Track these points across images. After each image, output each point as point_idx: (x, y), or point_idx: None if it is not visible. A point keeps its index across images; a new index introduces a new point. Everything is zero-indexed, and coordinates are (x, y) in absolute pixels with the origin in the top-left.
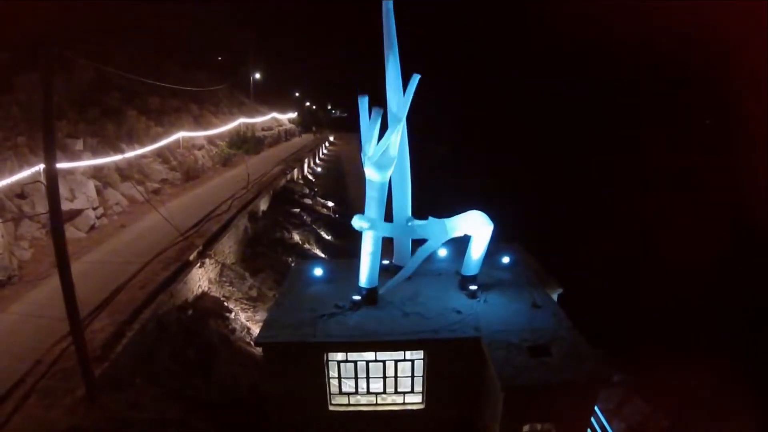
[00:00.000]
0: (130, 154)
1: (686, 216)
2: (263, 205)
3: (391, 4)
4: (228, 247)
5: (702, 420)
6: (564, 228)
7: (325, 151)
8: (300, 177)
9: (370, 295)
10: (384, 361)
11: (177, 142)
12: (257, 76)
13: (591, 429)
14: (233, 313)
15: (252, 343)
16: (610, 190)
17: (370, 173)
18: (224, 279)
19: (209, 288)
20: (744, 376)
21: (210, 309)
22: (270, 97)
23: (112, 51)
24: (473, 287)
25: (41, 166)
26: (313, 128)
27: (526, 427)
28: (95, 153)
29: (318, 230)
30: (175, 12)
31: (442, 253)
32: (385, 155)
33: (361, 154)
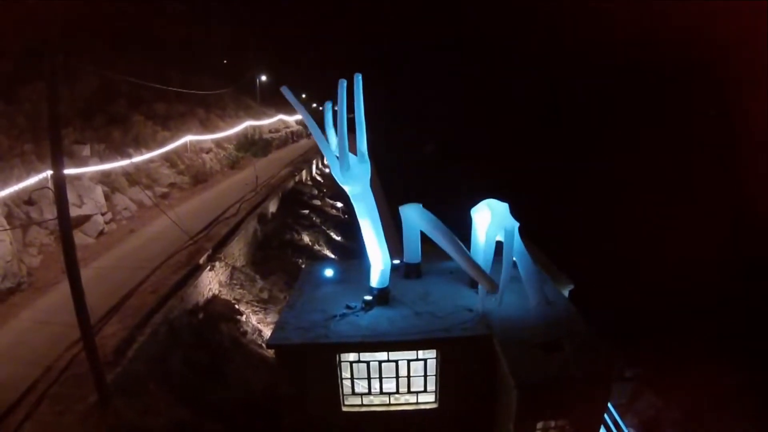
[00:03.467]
0: (137, 158)
1: (697, 212)
2: (272, 207)
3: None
4: (238, 249)
5: (715, 413)
6: (572, 226)
7: None
8: (309, 178)
9: (382, 295)
10: (396, 361)
11: (184, 146)
12: (263, 78)
13: (604, 424)
14: (244, 316)
15: (264, 345)
16: (618, 187)
17: (351, 188)
18: (235, 282)
19: (220, 291)
20: (758, 370)
21: (221, 312)
22: (277, 99)
23: (117, 59)
24: None
25: (48, 173)
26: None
27: (539, 424)
28: (102, 159)
29: (328, 231)
30: (180, 16)
31: None
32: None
33: (333, 173)
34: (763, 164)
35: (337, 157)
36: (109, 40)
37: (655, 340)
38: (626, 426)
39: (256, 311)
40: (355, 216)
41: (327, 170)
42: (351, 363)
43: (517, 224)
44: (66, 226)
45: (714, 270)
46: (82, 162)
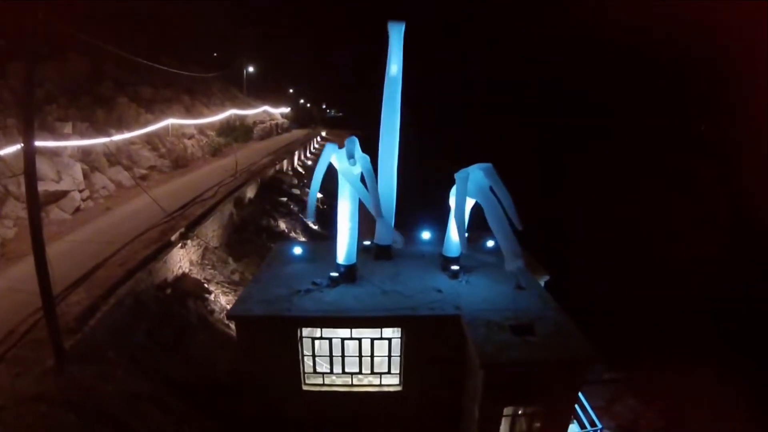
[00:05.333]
0: (117, 137)
1: (682, 214)
2: (250, 192)
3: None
4: (212, 230)
5: (696, 421)
6: (556, 226)
7: (316, 146)
8: (290, 168)
9: (349, 272)
10: (360, 339)
11: (166, 130)
12: (251, 69)
13: (577, 419)
14: (213, 295)
15: (231, 325)
16: (605, 189)
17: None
18: (206, 262)
19: (190, 269)
20: (739, 376)
21: (190, 290)
22: (264, 92)
23: (108, 41)
24: (455, 267)
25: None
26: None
27: (507, 410)
28: (84, 137)
29: (305, 219)
30: (172, 8)
31: (426, 235)
32: None
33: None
34: (763, 165)
35: None
36: (102, 25)
37: (638, 344)
38: (604, 427)
39: (226, 292)
40: (336, 207)
41: (309, 162)
42: (313, 339)
43: (489, 164)
44: (32, 184)
45: (702, 272)
46: (63, 139)
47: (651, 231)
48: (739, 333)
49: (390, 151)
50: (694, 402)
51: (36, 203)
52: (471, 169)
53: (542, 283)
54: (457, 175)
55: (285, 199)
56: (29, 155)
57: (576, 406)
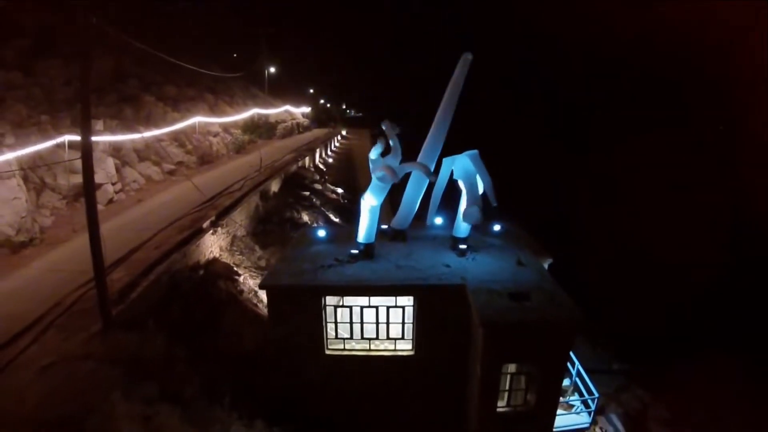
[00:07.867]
0: (147, 133)
1: (691, 212)
2: (275, 186)
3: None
4: (240, 220)
5: (703, 415)
6: (570, 225)
7: (337, 144)
8: (312, 165)
9: (368, 250)
10: (377, 307)
11: (193, 127)
12: (272, 69)
13: (578, 393)
14: (242, 278)
15: (258, 304)
16: (617, 187)
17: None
18: (235, 249)
19: (220, 254)
20: (748, 372)
21: (220, 272)
22: (284, 91)
23: (128, 44)
24: (463, 246)
25: (65, 138)
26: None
27: (506, 367)
28: (114, 134)
29: (327, 213)
30: (192, 8)
31: (438, 221)
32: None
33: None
34: (762, 165)
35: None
36: (126, 27)
37: (649, 339)
38: (610, 413)
39: (253, 276)
40: (356, 202)
41: (330, 160)
42: (335, 307)
43: (476, 151)
44: (88, 172)
45: (710, 272)
46: (95, 136)
47: (656, 227)
48: (748, 328)
49: (434, 146)
50: (702, 396)
51: (92, 185)
52: (459, 156)
53: (546, 266)
54: (444, 159)
55: (307, 193)
56: (86, 146)
57: (577, 379)
